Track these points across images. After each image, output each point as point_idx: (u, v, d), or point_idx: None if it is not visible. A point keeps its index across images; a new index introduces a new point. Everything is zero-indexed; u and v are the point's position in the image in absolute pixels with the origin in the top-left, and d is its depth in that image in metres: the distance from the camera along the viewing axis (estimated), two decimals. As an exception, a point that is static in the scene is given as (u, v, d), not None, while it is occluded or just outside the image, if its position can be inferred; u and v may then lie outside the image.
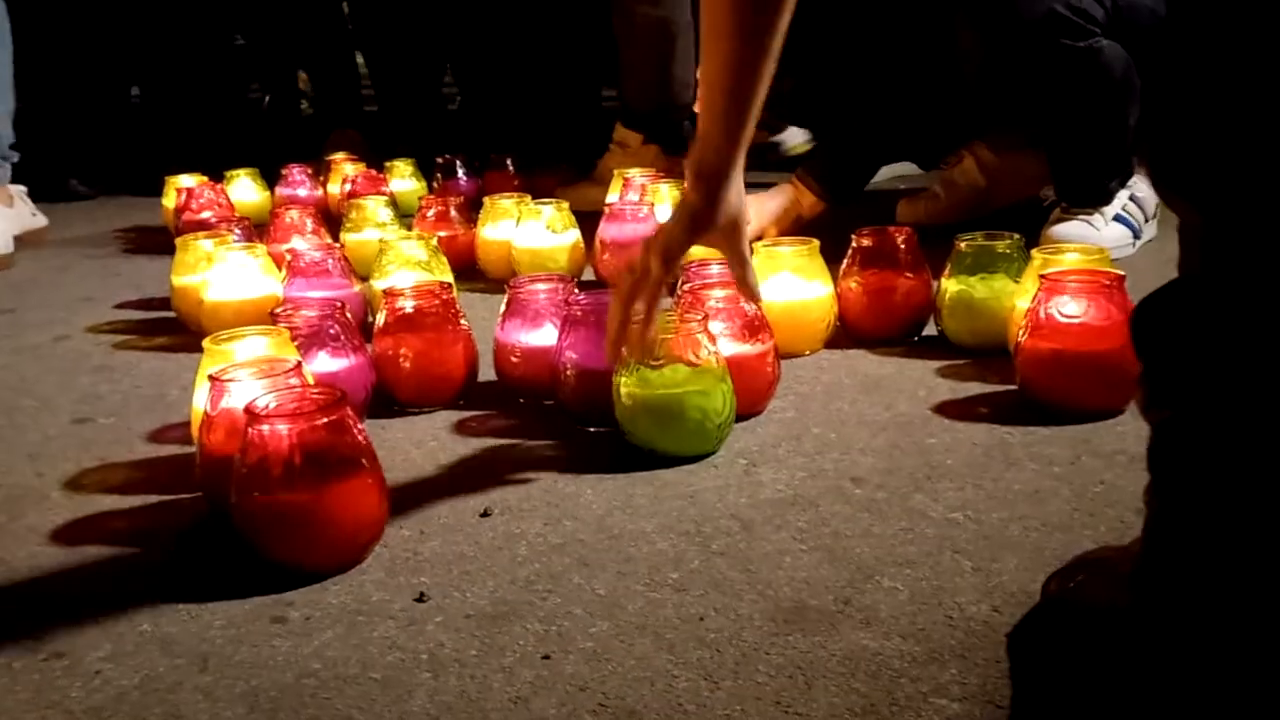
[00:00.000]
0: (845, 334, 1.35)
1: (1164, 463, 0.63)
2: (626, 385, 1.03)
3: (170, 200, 2.13)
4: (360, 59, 3.13)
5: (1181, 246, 0.63)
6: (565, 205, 1.67)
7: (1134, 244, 1.65)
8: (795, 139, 2.58)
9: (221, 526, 0.91)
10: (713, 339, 1.04)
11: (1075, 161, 1.64)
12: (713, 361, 1.03)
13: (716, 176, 0.95)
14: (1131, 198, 1.66)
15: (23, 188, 2.31)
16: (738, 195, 0.97)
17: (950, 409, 1.13)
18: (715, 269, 1.26)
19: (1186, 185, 0.59)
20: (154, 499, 1.02)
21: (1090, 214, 1.63)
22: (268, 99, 3.28)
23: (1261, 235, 0.56)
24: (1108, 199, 1.64)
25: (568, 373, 1.10)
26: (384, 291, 1.23)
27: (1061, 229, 1.62)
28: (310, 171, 2.31)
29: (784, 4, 0.88)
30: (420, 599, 0.82)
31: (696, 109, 1.54)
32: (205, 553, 0.92)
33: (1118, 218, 1.64)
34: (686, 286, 1.18)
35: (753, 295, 1.03)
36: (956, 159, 1.94)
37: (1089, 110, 1.57)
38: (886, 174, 2.29)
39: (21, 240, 2.19)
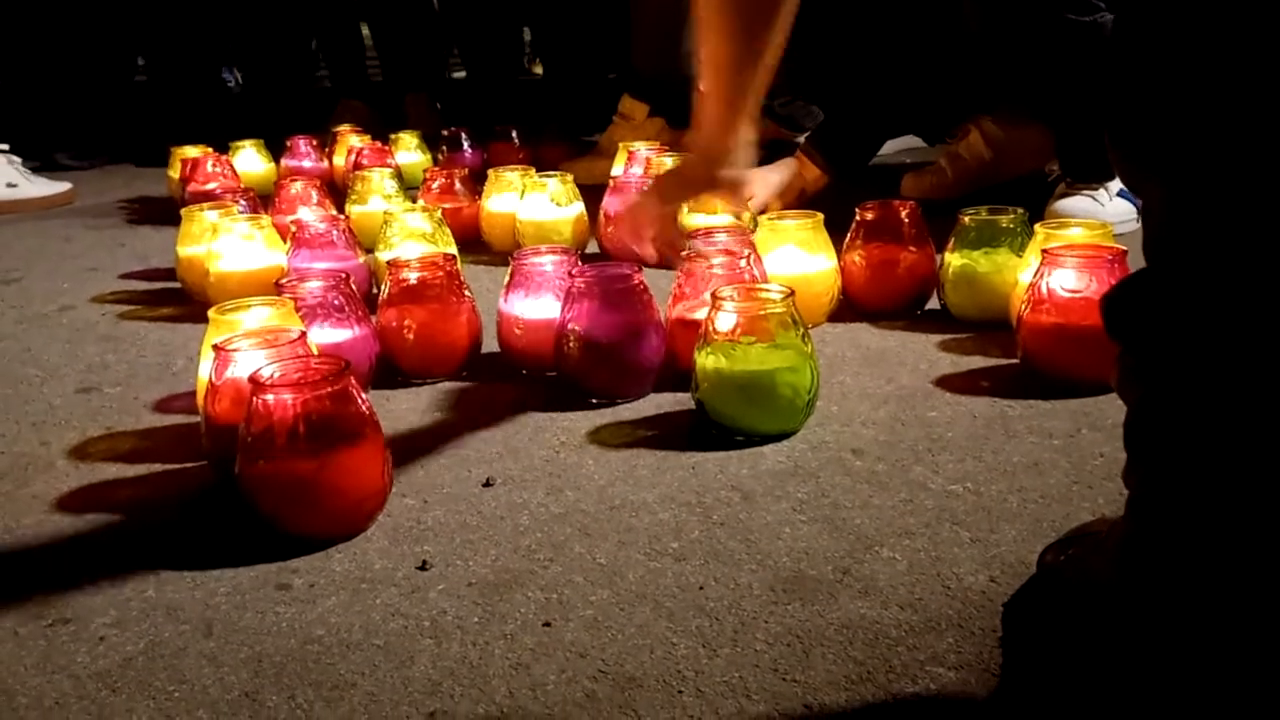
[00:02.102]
0: (848, 307, 1.35)
1: (1139, 440, 0.63)
2: (712, 361, 1.01)
3: (175, 171, 2.13)
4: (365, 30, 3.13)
5: (1144, 227, 0.63)
6: (569, 178, 1.67)
7: (1138, 219, 1.65)
8: None
9: (226, 495, 0.91)
10: (800, 315, 1.02)
11: (1079, 137, 1.64)
12: (800, 338, 1.01)
13: (718, 153, 1.06)
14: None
15: (17, 159, 2.32)
16: (736, 161, 1.08)
17: (952, 382, 1.14)
18: (720, 238, 1.26)
19: (1151, 158, 0.59)
20: (159, 468, 1.03)
21: (1095, 189, 1.63)
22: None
23: (1226, 207, 0.56)
24: (1112, 174, 1.63)
25: (571, 345, 1.11)
26: (388, 263, 1.23)
27: (1066, 204, 1.61)
28: (316, 143, 2.31)
29: (780, 6, 0.95)
30: (423, 567, 0.83)
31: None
32: (210, 521, 0.92)
33: (1122, 193, 1.63)
34: (689, 252, 1.18)
35: (738, 209, 1.24)
36: (962, 133, 1.93)
37: (1093, 86, 1.56)
38: (892, 148, 2.29)
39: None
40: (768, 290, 1.05)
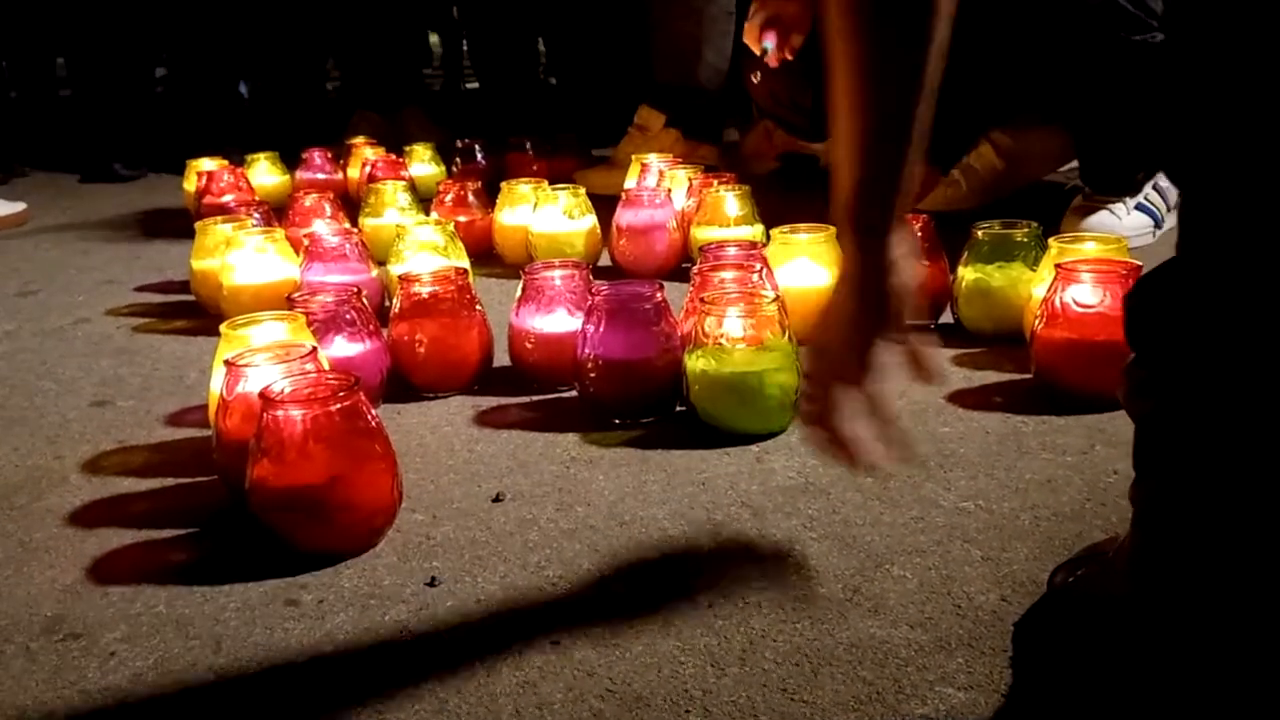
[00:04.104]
0: (861, 321, 1.35)
1: (1148, 453, 0.63)
2: (702, 364, 1.04)
3: (191, 183, 2.14)
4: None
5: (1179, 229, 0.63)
6: (582, 190, 1.67)
7: (1155, 233, 1.64)
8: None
9: (238, 510, 0.91)
10: (786, 316, 1.05)
11: (1108, 151, 1.63)
12: (785, 338, 1.04)
13: (880, 232, 0.71)
14: (1154, 187, 1.65)
15: None
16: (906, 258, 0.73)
17: (964, 397, 1.13)
18: (731, 250, 1.26)
19: (1174, 169, 0.59)
20: (172, 482, 1.03)
21: (1113, 202, 1.62)
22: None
23: (1238, 215, 0.56)
24: (1135, 190, 1.63)
25: (592, 366, 1.09)
26: (400, 276, 1.23)
27: (1084, 219, 1.61)
28: (330, 155, 2.32)
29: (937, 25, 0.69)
30: (432, 583, 0.83)
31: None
32: (221, 535, 0.92)
33: (1139, 206, 1.63)
34: (699, 267, 1.18)
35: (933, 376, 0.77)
36: (973, 144, 1.93)
37: (1135, 103, 1.54)
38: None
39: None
40: (754, 294, 1.08)
